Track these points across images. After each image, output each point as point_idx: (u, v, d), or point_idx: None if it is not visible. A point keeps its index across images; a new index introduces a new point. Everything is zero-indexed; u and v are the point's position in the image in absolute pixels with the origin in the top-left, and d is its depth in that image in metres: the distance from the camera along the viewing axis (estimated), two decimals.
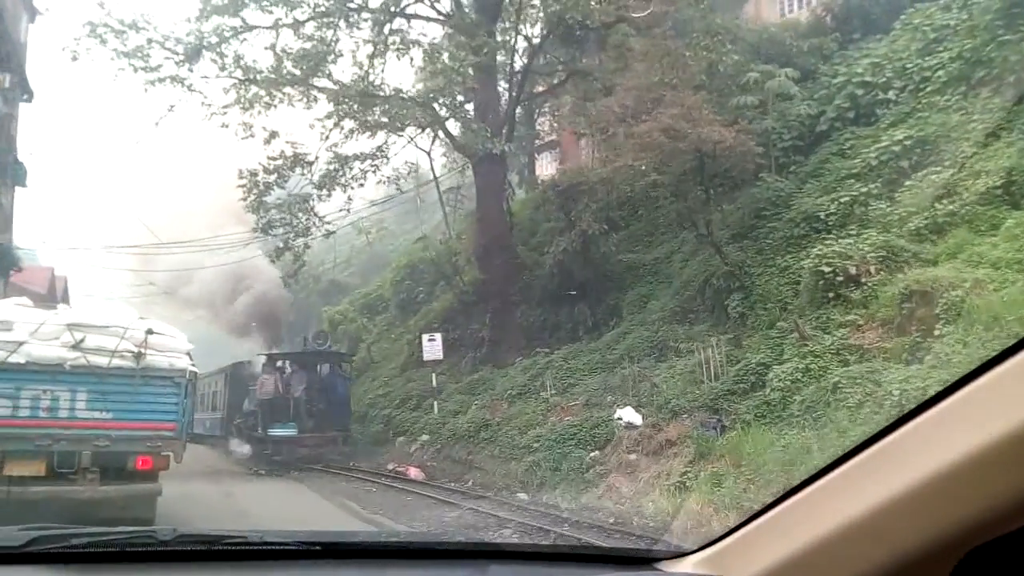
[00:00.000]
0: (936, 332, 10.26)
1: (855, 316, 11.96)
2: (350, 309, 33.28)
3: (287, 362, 24.08)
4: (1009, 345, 0.98)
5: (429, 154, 30.45)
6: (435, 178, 31.36)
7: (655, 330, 17.24)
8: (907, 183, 13.77)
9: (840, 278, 12.36)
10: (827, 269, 12.48)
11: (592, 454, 13.78)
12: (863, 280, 12.23)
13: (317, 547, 1.99)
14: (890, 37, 18.14)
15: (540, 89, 26.83)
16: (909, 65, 16.48)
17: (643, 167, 14.56)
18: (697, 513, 9.51)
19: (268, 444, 21.85)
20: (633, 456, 13.06)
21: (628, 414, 13.98)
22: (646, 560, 1.80)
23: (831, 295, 12.52)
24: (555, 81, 25.68)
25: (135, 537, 2.02)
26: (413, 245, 33.19)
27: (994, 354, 1.00)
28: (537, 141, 34.41)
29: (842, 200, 14.51)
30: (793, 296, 14.15)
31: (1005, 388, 0.98)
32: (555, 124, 34.20)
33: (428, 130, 26.41)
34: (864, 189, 14.35)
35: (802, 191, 16.29)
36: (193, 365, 9.49)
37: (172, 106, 22.45)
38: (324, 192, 23.12)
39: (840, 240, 13.00)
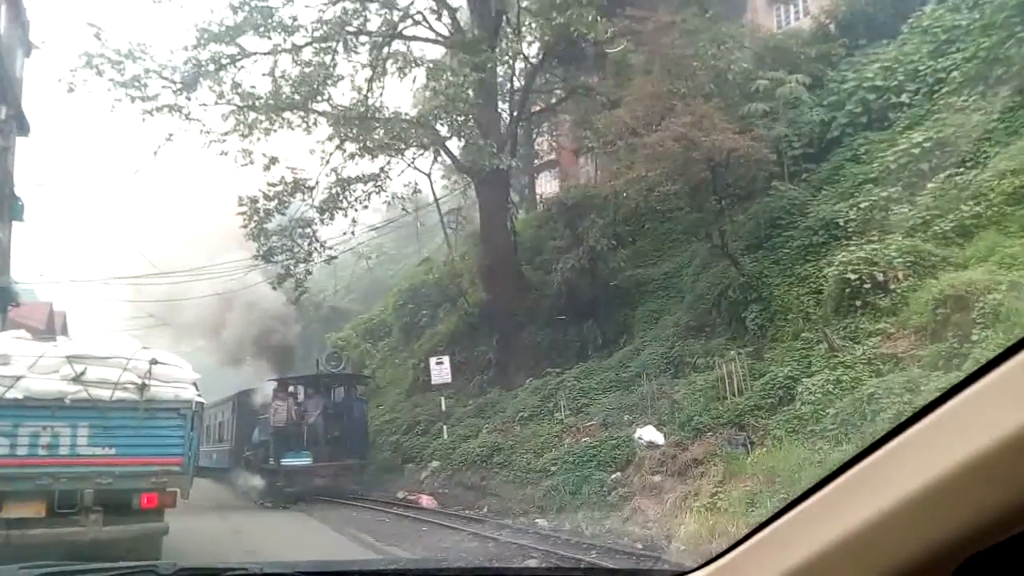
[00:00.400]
0: (974, 337, 9.81)
1: (885, 324, 11.53)
2: (353, 335, 32.80)
3: (300, 386, 22.93)
4: (998, 352, 0.98)
5: (429, 176, 30.27)
6: (436, 200, 31.06)
7: (670, 346, 16.79)
8: (929, 186, 13.37)
9: (867, 285, 11.93)
10: (853, 276, 12.06)
11: (613, 476, 13.28)
12: (891, 287, 11.80)
13: None
14: (898, 41, 17.83)
15: (539, 108, 26.56)
16: (921, 68, 16.17)
17: (657, 178, 14.13)
18: (733, 535, 8.99)
19: (281, 475, 20.62)
20: (657, 477, 12.56)
21: (649, 433, 13.50)
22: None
23: (858, 303, 12.09)
24: (554, 100, 25.51)
25: (136, 571, 2.01)
26: (416, 268, 32.90)
27: (982, 363, 0.99)
28: (536, 161, 34.27)
29: (861, 206, 14.13)
30: (815, 306, 13.71)
31: (994, 397, 0.98)
32: (554, 143, 34.15)
33: (428, 152, 26.29)
34: (884, 194, 13.98)
35: (817, 199, 15.90)
36: (199, 396, 9.01)
37: (170, 135, 22.16)
38: (326, 216, 22.67)
39: (864, 246, 12.58)
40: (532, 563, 10.03)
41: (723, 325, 16.15)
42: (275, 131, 22.84)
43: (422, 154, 26.05)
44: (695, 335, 16.62)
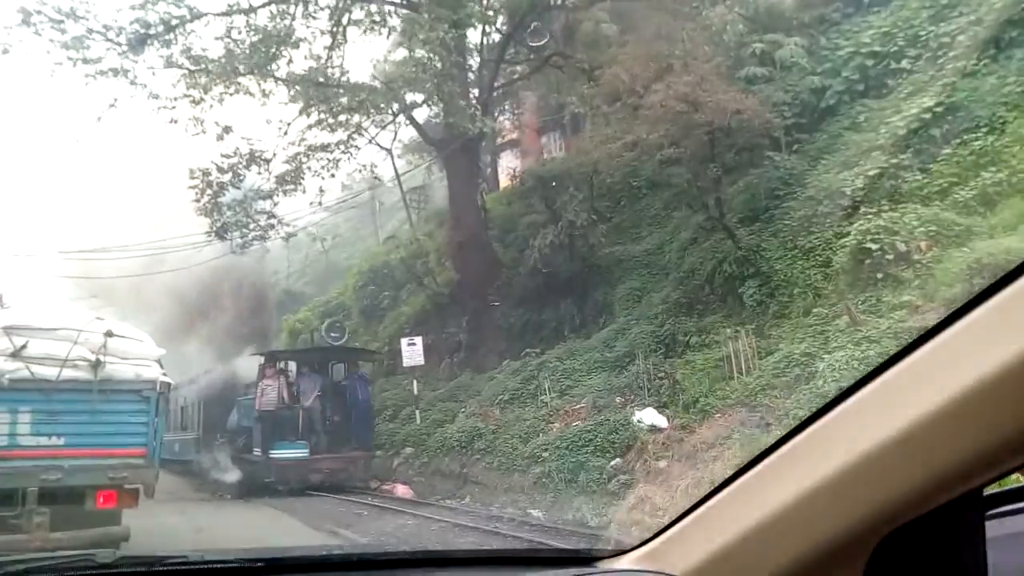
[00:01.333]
0: None
1: (911, 296, 10.73)
2: (311, 317, 31.25)
3: (293, 362, 19.93)
4: (924, 331, 0.99)
5: (391, 152, 28.98)
6: (397, 176, 29.86)
7: (659, 324, 15.89)
8: (945, 152, 12.65)
9: (889, 256, 11.12)
10: (874, 246, 11.24)
11: (613, 462, 12.32)
12: (915, 257, 11.02)
13: (259, 563, 1.95)
14: (888, 9, 17.17)
15: (510, 79, 25.36)
16: (922, 33, 15.48)
17: (658, 141, 13.14)
18: None
19: (269, 469, 17.40)
20: (663, 463, 11.64)
21: (650, 416, 12.59)
22: (587, 559, 1.84)
23: (879, 275, 11.29)
24: (527, 69, 24.34)
25: (75, 560, 1.95)
26: (376, 248, 31.55)
27: (909, 342, 1.01)
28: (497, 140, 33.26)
29: (869, 174, 13.35)
30: (823, 279, 12.94)
31: (913, 379, 1.00)
32: (516, 122, 33.06)
33: (390, 126, 25.10)
34: (894, 160, 13.21)
35: (816, 169, 15.12)
36: (165, 375, 7.70)
37: (115, 100, 20.57)
38: (289, 187, 21.22)
39: (882, 214, 11.77)
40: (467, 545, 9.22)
41: (717, 301, 15.36)
42: (229, 96, 21.34)
43: (384, 127, 24.90)
44: (686, 312, 15.77)
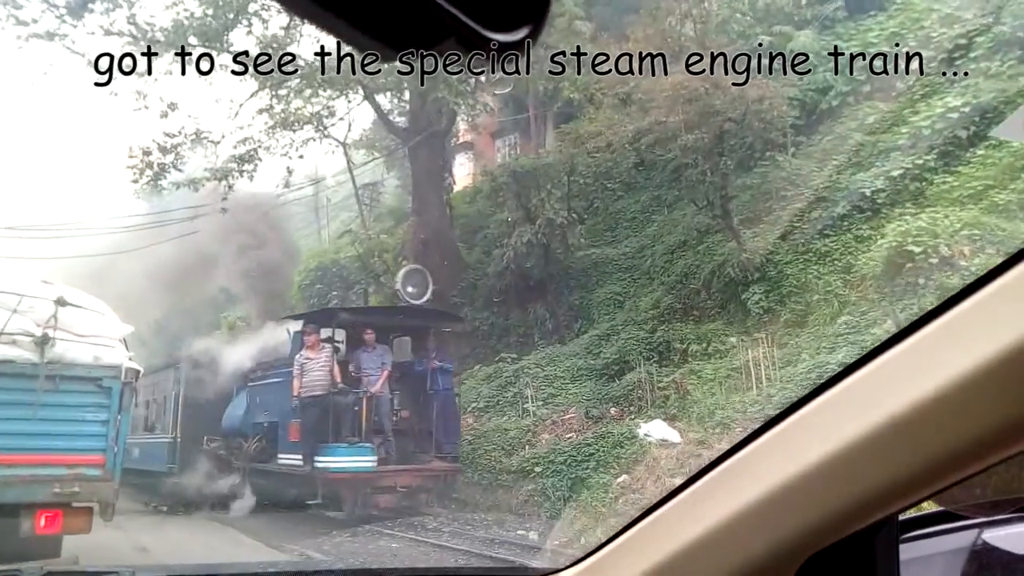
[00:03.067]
0: None
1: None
2: (253, 316, 29.17)
3: (352, 327, 13.85)
4: (861, 356, 1.02)
5: (344, 145, 27.34)
6: (351, 170, 28.22)
7: (650, 330, 14.81)
8: (978, 154, 11.88)
9: (933, 259, 10.19)
10: (916, 249, 10.29)
11: (620, 479, 11.04)
12: (961, 262, 10.11)
13: None
14: (887, 13, 16.58)
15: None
16: (934, 34, 14.84)
17: (675, 126, 12.02)
18: None
19: (314, 484, 12.48)
20: (679, 480, 10.38)
21: (659, 429, 11.39)
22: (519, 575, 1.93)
23: (920, 281, 10.33)
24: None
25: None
26: (326, 245, 29.85)
27: (847, 364, 1.04)
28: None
29: (892, 175, 12.51)
30: (844, 286, 11.99)
31: (839, 407, 1.03)
32: (469, 125, 31.85)
33: (346, 117, 23.67)
34: (919, 162, 12.42)
35: (824, 170, 14.26)
36: (131, 359, 6.02)
37: (50, 65, 18.79)
38: (247, 167, 19.51)
39: (921, 215, 10.88)
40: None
41: (716, 308, 14.37)
42: (173, 71, 19.60)
43: (342, 118, 23.39)
44: (681, 319, 14.74)
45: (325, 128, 22.91)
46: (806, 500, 1.04)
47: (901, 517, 1.17)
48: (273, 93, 19.72)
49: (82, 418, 5.62)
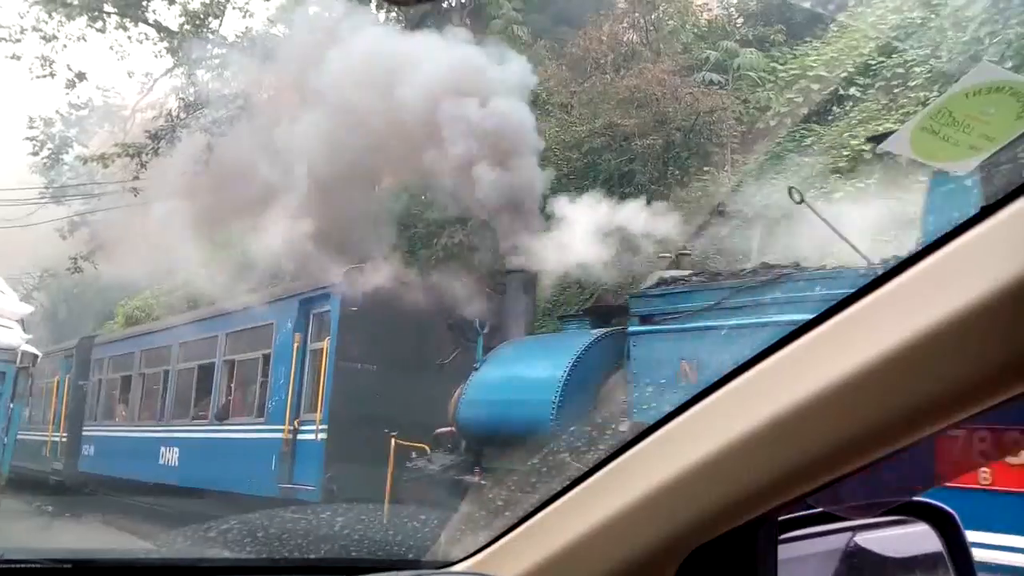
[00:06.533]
0: None
1: None
2: (155, 305, 27.45)
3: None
4: (746, 359, 1.05)
5: None
6: None
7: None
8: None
9: None
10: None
11: None
12: None
13: (67, 565, 1.85)
14: (823, 40, 16.94)
15: None
16: (872, 63, 15.22)
17: (629, 130, 11.73)
18: None
19: None
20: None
21: None
22: (411, 568, 1.78)
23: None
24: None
25: None
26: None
27: (747, 358, 1.05)
28: None
29: (833, 197, 12.65)
30: None
31: (728, 407, 1.08)
32: None
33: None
34: (860, 186, 12.59)
35: (764, 191, 14.36)
36: (29, 342, 5.17)
37: None
38: (157, 145, 18.35)
39: None
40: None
41: None
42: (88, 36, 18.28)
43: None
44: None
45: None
46: (688, 497, 1.10)
47: (780, 518, 1.18)
48: (193, 68, 18.61)
49: None
